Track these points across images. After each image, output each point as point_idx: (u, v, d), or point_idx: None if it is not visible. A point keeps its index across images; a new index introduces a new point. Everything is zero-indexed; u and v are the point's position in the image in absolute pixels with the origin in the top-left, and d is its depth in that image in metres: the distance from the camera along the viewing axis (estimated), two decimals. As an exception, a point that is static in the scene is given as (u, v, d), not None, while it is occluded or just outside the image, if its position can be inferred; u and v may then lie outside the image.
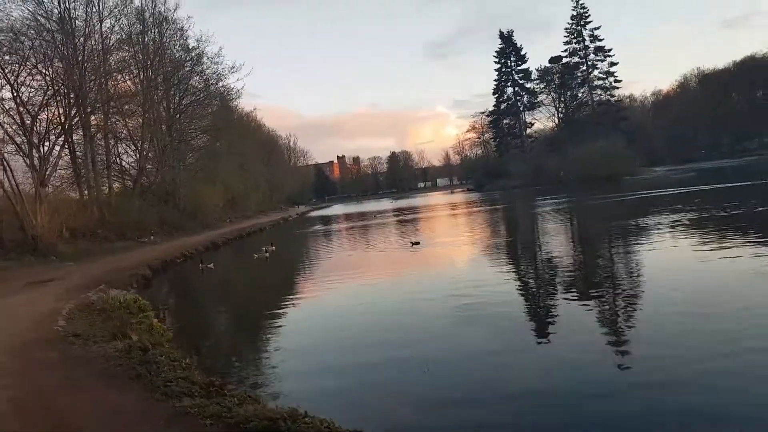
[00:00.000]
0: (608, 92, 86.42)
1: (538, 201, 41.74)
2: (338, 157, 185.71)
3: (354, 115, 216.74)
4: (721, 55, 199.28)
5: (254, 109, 42.62)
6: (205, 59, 39.51)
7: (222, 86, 41.04)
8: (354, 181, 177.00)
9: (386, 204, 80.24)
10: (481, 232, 23.67)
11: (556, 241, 17.73)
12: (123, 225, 32.29)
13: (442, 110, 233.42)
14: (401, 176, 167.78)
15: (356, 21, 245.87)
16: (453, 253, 17.21)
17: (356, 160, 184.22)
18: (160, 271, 20.11)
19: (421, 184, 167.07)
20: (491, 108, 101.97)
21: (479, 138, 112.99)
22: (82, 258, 24.56)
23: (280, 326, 9.92)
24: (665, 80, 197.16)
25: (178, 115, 41.39)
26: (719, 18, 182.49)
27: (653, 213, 21.78)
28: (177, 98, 42.94)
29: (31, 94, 27.40)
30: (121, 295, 11.17)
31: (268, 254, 21.36)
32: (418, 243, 18.71)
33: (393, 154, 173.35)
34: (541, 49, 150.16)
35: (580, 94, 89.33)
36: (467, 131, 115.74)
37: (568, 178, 74.18)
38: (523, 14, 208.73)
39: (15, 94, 26.03)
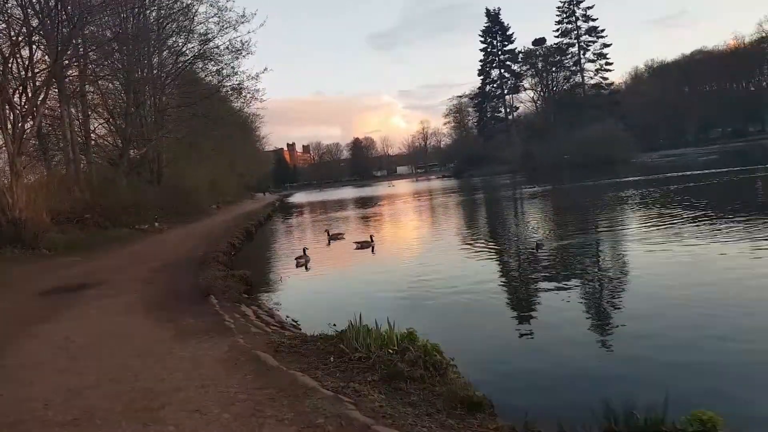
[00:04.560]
0: (599, 74, 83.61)
1: (560, 185, 37.43)
2: (288, 144, 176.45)
3: (298, 103, 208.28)
4: (653, 51, 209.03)
5: (248, 80, 33.88)
6: (203, 7, 32.19)
7: (227, 42, 33.53)
8: (314, 168, 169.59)
9: (361, 191, 74.50)
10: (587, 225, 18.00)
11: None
12: (113, 209, 25.30)
13: (388, 100, 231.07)
14: (365, 164, 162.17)
15: (299, 8, 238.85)
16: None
17: (306, 148, 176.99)
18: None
19: (377, 173, 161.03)
20: (467, 92, 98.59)
21: (457, 123, 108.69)
22: (82, 250, 18.07)
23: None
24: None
25: (168, 80, 33.92)
26: (649, 16, 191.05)
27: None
28: (158, 59, 35.30)
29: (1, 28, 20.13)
30: (385, 328, 5.21)
31: (373, 244, 15.47)
32: (541, 245, 12.65)
33: (357, 140, 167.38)
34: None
35: (570, 77, 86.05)
36: (445, 115, 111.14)
37: (568, 161, 70.99)
38: (465, 9, 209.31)
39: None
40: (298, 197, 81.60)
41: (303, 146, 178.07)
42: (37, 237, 17.25)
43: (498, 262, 12.08)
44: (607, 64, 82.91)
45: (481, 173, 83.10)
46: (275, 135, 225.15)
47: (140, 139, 32.34)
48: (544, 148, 79.15)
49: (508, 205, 28.86)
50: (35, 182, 21.83)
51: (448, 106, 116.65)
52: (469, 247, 14.33)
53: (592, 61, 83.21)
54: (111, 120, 33.45)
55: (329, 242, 18.37)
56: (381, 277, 11.37)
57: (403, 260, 13.36)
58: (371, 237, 15.78)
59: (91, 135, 31.64)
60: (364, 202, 45.66)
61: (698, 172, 31.39)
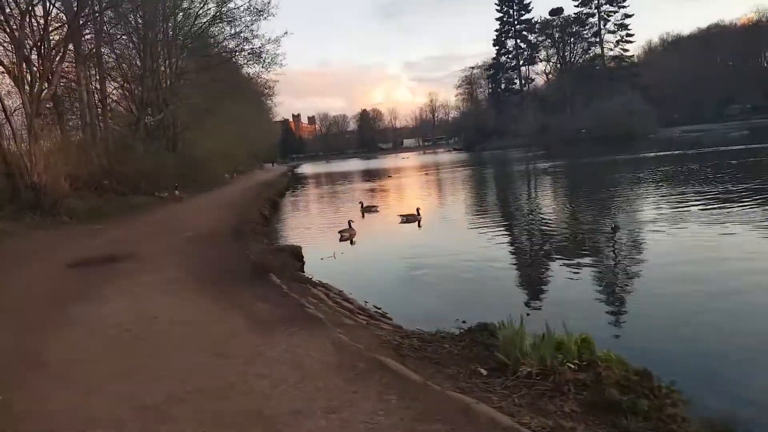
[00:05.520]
0: (620, 46, 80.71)
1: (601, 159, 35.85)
2: (293, 115, 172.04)
3: (301, 74, 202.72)
4: (667, 25, 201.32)
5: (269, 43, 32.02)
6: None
7: (246, 2, 31.59)
8: (320, 139, 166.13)
9: (371, 164, 72.80)
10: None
11: None
12: (132, 176, 24.22)
13: (393, 72, 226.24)
14: (372, 136, 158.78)
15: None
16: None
17: (312, 119, 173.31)
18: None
19: (383, 145, 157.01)
20: (479, 63, 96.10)
21: (470, 95, 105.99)
22: (103, 218, 17.11)
23: None
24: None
25: (185, 42, 32.20)
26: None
27: None
28: (173, 22, 33.53)
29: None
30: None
31: (419, 218, 14.38)
32: (618, 228, 10.85)
33: (364, 111, 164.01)
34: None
35: (588, 48, 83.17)
36: (457, 86, 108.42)
37: (584, 135, 69.22)
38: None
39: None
40: (307, 168, 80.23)
41: (308, 117, 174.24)
42: (56, 203, 16.22)
43: (569, 244, 10.72)
44: (628, 35, 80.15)
45: (493, 147, 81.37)
46: (280, 106, 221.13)
47: (156, 105, 30.99)
48: (559, 122, 77.27)
49: (540, 180, 27.52)
50: (52, 146, 20.69)
51: (459, 77, 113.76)
52: (521, 223, 13.20)
53: (613, 32, 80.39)
54: (126, 85, 32.14)
55: (363, 215, 17.35)
56: (441, 256, 10.29)
57: (454, 237, 12.29)
58: (417, 210, 14.65)
59: (107, 99, 30.36)
60: (379, 175, 44.35)
61: (741, 147, 29.75)
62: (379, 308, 6.56)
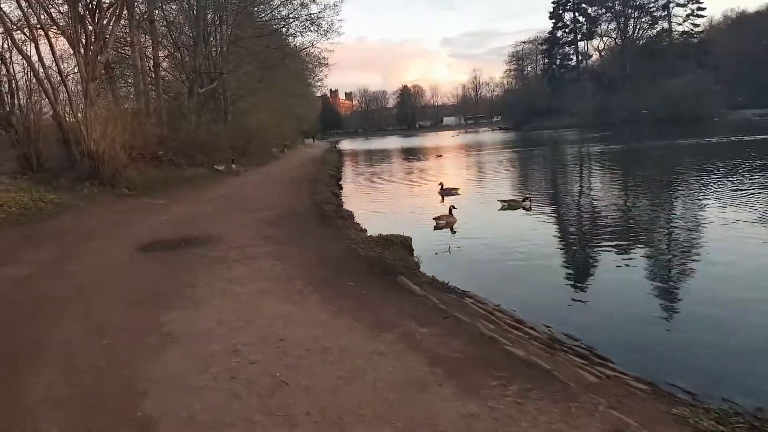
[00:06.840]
0: (689, 20, 75.14)
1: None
2: (331, 90, 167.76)
3: (337, 48, 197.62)
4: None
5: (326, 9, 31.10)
6: None
7: None
8: (360, 115, 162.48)
9: (414, 141, 69.87)
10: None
11: None
12: (187, 147, 22.99)
13: (431, 48, 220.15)
14: (413, 113, 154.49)
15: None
16: None
17: (349, 95, 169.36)
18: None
19: (422, 123, 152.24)
20: (531, 37, 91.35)
21: (521, 71, 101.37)
22: (162, 191, 15.93)
23: None
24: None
25: (241, 7, 30.58)
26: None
27: None
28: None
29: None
30: None
31: (524, 205, 12.50)
32: None
33: (405, 87, 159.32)
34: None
35: (655, 22, 77.65)
36: (508, 62, 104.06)
37: (646, 117, 65.05)
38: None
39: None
40: (348, 145, 78.05)
41: (345, 93, 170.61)
42: (116, 174, 14.99)
43: (727, 253, 8.20)
44: (700, 9, 74.32)
45: (545, 126, 77.66)
46: (319, 80, 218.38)
47: (208, 74, 29.67)
48: (619, 101, 73.06)
49: (635, 167, 23.86)
50: (107, 113, 19.54)
51: (509, 53, 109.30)
52: (652, 221, 11.13)
53: (682, 5, 74.58)
54: (176, 53, 30.95)
55: (442, 198, 15.58)
56: (581, 257, 8.44)
57: (583, 233, 10.40)
58: (525, 199, 12.70)
59: (160, 67, 29.21)
60: (427, 153, 41.91)
61: None
62: (577, 339, 4.74)
